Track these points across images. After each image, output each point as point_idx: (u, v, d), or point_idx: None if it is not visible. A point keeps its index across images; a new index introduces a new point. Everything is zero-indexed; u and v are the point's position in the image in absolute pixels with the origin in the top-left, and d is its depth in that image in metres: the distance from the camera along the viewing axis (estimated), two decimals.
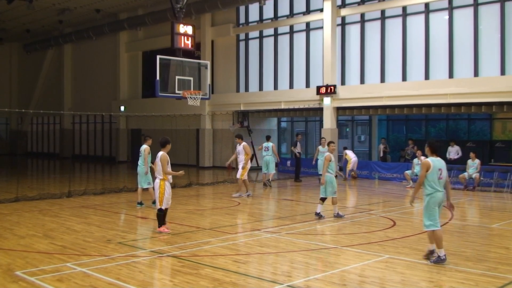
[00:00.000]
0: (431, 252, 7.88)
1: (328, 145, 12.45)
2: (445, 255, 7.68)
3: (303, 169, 22.82)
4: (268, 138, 19.28)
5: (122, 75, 32.63)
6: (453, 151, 19.77)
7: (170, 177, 9.92)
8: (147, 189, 13.48)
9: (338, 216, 11.77)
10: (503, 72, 18.48)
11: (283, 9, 24.87)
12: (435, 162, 7.83)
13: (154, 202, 13.39)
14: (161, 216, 9.93)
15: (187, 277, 7.04)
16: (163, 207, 9.85)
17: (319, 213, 11.74)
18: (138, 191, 13.68)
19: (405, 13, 20.97)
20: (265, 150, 18.73)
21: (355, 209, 13.27)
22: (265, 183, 18.58)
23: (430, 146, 7.98)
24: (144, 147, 13.60)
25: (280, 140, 29.17)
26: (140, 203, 13.54)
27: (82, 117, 35.87)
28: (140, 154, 13.67)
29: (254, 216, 12.11)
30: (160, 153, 9.86)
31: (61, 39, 34.98)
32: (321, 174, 17.68)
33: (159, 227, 9.96)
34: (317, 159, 19.15)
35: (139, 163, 13.62)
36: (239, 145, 15.57)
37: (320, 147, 18.80)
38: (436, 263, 7.63)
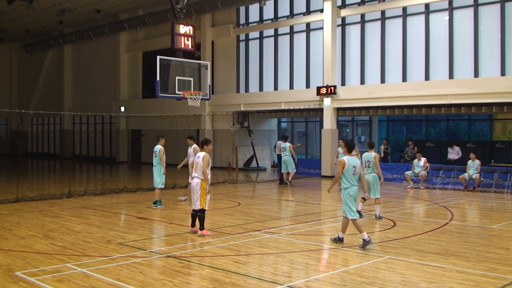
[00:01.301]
0: (340, 239, 9.00)
1: (371, 147, 12.09)
2: (368, 236, 8.68)
3: (304, 169, 22.82)
4: (286, 139, 19.31)
5: (122, 75, 32.64)
6: (453, 153, 19.78)
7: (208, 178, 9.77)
8: (155, 188, 13.77)
9: (379, 217, 11.67)
10: (503, 73, 18.49)
11: (283, 10, 24.89)
12: (350, 160, 8.92)
13: (155, 203, 13.49)
14: (204, 218, 9.72)
15: (187, 277, 7.04)
16: (205, 208, 9.69)
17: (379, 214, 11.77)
18: (156, 191, 13.80)
19: (405, 14, 20.98)
20: (283, 151, 18.84)
21: None
22: (285, 181, 18.83)
23: (346, 146, 9.25)
24: (159, 148, 13.72)
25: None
26: (159, 202, 13.65)
27: (82, 117, 35.87)
28: (155, 155, 13.75)
29: (254, 217, 12.11)
30: (202, 153, 9.75)
31: (61, 40, 34.98)
32: None
33: (201, 229, 9.70)
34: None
35: (154, 163, 13.77)
36: (190, 147, 14.13)
37: (339, 149, 17.65)
38: (364, 247, 8.59)
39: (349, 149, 9.12)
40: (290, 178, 18.87)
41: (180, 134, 24.98)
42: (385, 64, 21.57)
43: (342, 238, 9.01)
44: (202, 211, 9.65)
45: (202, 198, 9.61)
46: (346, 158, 8.94)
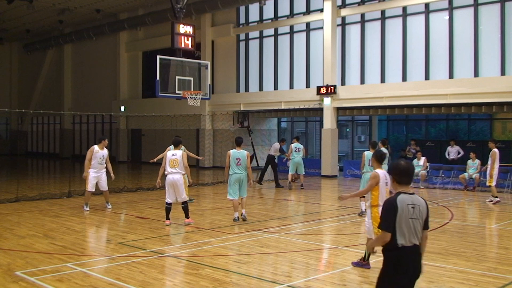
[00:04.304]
0: (243, 216, 11.19)
1: (374, 146, 12.30)
2: (238, 217, 11.19)
3: (304, 169, 22.79)
4: (298, 139, 18.63)
5: (122, 75, 32.62)
6: (453, 151, 19.76)
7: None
8: None
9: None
10: (503, 73, 18.49)
11: (283, 9, 24.88)
12: (235, 153, 11.05)
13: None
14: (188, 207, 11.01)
15: (187, 277, 7.04)
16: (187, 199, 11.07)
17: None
18: None
19: (405, 13, 20.97)
20: (296, 151, 18.03)
21: (355, 209, 13.25)
22: (290, 185, 18.00)
23: (235, 141, 11.29)
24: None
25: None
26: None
27: (82, 117, 35.85)
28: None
29: (254, 216, 12.10)
30: (180, 151, 10.98)
31: (61, 39, 34.98)
32: None
33: (188, 217, 10.91)
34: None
35: None
36: (103, 149, 13.54)
37: (293, 145, 17.89)
38: (235, 220, 11.12)
39: (237, 144, 11.16)
40: (302, 182, 18.18)
41: (180, 134, 24.91)
42: (385, 64, 21.56)
43: (237, 217, 11.18)
44: (186, 202, 10.90)
45: (186, 190, 11.00)
46: (232, 151, 11.07)
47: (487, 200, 14.69)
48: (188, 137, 25.93)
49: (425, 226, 4.51)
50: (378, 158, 7.57)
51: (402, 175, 4.48)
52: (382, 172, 7.31)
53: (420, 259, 4.54)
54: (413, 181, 15.72)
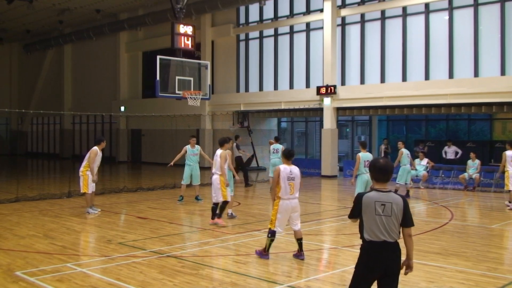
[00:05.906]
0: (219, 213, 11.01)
1: (364, 146, 12.48)
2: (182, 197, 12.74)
3: (304, 169, 22.82)
4: (277, 140, 18.14)
5: (122, 75, 32.63)
6: (450, 152, 19.75)
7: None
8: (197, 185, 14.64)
9: None
10: (503, 73, 18.50)
11: (283, 9, 24.89)
12: (217, 151, 11.19)
13: (197, 198, 14.39)
14: (215, 209, 10.77)
15: (187, 277, 7.04)
16: (228, 199, 10.81)
17: None
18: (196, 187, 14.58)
19: (405, 14, 20.98)
20: (274, 152, 17.33)
21: None
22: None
23: (219, 142, 11.53)
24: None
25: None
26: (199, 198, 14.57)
27: (82, 117, 35.84)
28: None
29: (254, 216, 12.11)
30: (220, 151, 11.02)
31: (61, 39, 34.97)
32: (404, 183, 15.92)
33: (213, 219, 10.77)
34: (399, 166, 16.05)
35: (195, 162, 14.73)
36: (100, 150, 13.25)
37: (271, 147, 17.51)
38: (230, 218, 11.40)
39: (220, 144, 11.27)
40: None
41: (180, 134, 24.97)
42: (385, 64, 21.57)
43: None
44: (224, 202, 10.72)
45: (224, 191, 10.65)
46: (219, 150, 11.18)
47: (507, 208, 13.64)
48: (188, 137, 25.84)
49: (404, 224, 4.55)
50: (286, 155, 8.09)
51: (376, 173, 4.63)
52: (283, 167, 7.86)
53: (395, 256, 4.52)
54: (413, 181, 15.81)
